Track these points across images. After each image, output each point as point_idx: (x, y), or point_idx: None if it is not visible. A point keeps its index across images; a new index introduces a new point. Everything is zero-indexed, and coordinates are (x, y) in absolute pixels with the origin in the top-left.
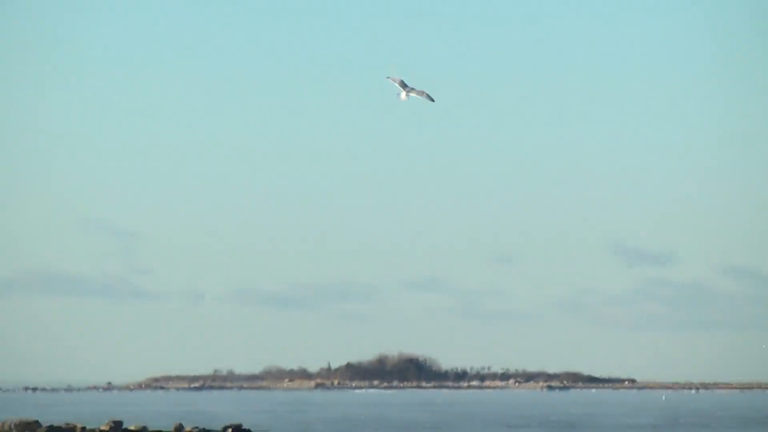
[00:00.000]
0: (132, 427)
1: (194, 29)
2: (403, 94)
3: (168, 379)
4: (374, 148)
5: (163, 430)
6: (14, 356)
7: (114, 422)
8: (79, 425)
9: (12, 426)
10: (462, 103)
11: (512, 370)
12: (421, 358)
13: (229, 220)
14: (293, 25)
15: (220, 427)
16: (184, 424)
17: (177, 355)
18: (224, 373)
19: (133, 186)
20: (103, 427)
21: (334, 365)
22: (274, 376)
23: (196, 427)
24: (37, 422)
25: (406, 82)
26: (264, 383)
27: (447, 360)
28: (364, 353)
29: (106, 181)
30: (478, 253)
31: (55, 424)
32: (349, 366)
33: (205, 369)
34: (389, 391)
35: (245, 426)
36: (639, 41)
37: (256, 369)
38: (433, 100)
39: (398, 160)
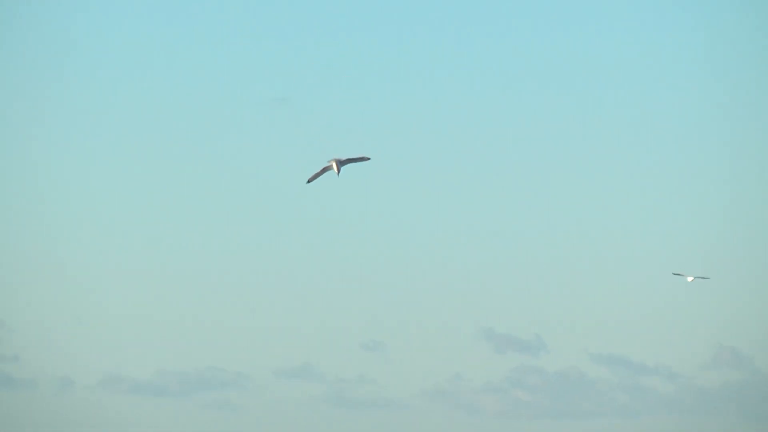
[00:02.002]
0: None
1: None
2: (336, 168)
3: None
4: (242, 230)
5: None
6: None
7: None
8: None
9: None
10: (332, 194)
11: None
12: None
13: (93, 304)
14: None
15: None
16: None
17: None
18: None
19: None
20: None
21: None
22: None
23: None
24: None
25: (339, 157)
26: None
27: None
28: None
29: None
30: (348, 339)
31: None
32: None
33: None
34: None
35: None
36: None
37: None
38: (368, 159)
39: (266, 242)
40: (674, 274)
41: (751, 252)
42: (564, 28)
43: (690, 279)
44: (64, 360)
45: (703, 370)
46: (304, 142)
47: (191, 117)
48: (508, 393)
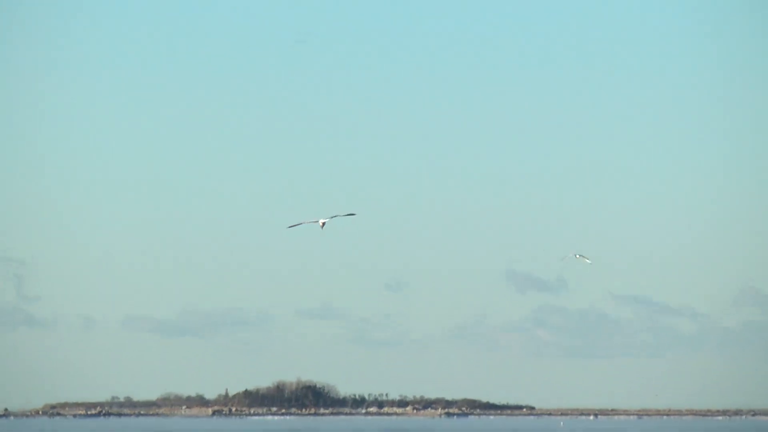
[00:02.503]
0: None
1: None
2: (321, 225)
3: (65, 405)
4: (265, 175)
5: None
6: None
7: None
8: None
9: None
10: (357, 133)
11: (410, 396)
12: (318, 385)
13: (118, 246)
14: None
15: None
16: None
17: (74, 382)
18: (122, 399)
19: (19, 213)
20: None
21: (232, 392)
22: (172, 402)
23: None
24: None
25: (320, 218)
26: (161, 410)
27: (345, 387)
28: (262, 380)
29: None
30: (370, 280)
31: None
32: (246, 393)
33: (102, 396)
34: (289, 418)
35: None
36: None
37: (153, 396)
38: (346, 216)
39: (291, 185)
40: (573, 255)
41: None
42: None
43: (576, 257)
44: (86, 300)
45: (726, 310)
46: (323, 81)
47: (214, 60)
48: (530, 332)
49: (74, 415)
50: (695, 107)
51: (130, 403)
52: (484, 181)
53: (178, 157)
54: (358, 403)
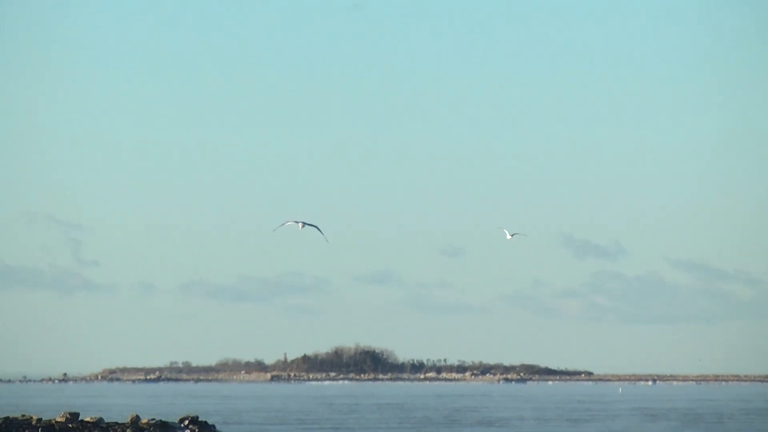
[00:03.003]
0: (88, 419)
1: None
2: (300, 225)
3: (124, 370)
4: (325, 141)
5: (119, 421)
6: None
7: (70, 414)
8: (34, 417)
9: None
10: (414, 99)
11: (468, 362)
12: (377, 350)
13: (176, 212)
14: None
15: (176, 419)
16: (140, 416)
17: (133, 347)
18: (180, 365)
19: (77, 178)
20: (58, 419)
21: (290, 357)
22: (230, 368)
23: (153, 419)
24: None
25: (298, 220)
26: (220, 375)
27: (403, 352)
28: (320, 345)
29: (50, 173)
30: (428, 246)
31: (11, 415)
32: (305, 358)
33: (161, 361)
34: (348, 383)
35: (202, 418)
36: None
37: (212, 361)
38: (322, 234)
39: (350, 153)
40: (500, 228)
41: None
42: None
43: (509, 236)
44: (145, 265)
45: None
46: (375, 45)
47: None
48: (588, 298)
49: (133, 381)
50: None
51: (188, 369)
52: (541, 146)
53: (237, 123)
54: (417, 368)
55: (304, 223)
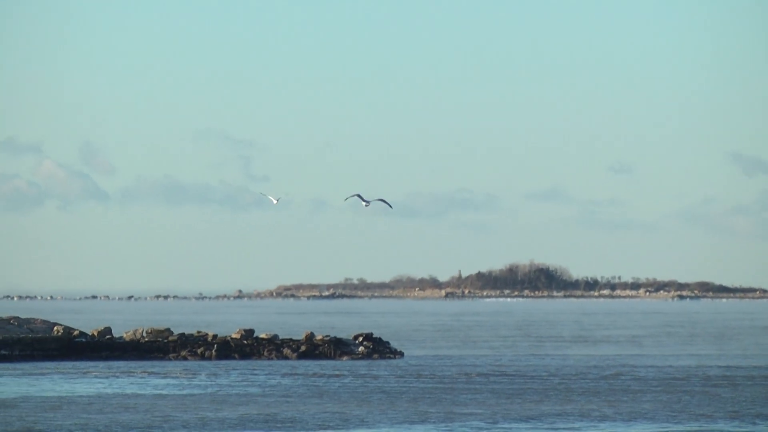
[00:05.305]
0: (263, 336)
1: None
2: (365, 203)
3: (299, 287)
4: (492, 56)
5: (293, 338)
6: (145, 265)
7: (245, 331)
8: (210, 334)
9: (144, 333)
10: (574, 16)
11: (642, 279)
12: (551, 268)
13: (344, 130)
14: None
15: (350, 336)
16: (314, 333)
17: (307, 264)
18: (355, 281)
19: (247, 94)
20: (234, 336)
21: (465, 274)
22: (405, 284)
23: (327, 336)
24: (168, 330)
25: (362, 196)
26: (394, 292)
27: (577, 269)
28: (494, 262)
29: (220, 90)
30: (596, 163)
31: (186, 332)
32: (479, 275)
33: (335, 277)
34: (522, 300)
35: (376, 335)
36: None
37: (387, 277)
38: (391, 207)
39: (518, 70)
40: (261, 194)
41: None
42: None
43: (275, 201)
44: (316, 181)
45: None
46: None
47: None
48: (759, 215)
49: (307, 297)
50: None
51: (363, 285)
52: (711, 62)
53: (410, 42)
54: (591, 285)
55: (368, 202)
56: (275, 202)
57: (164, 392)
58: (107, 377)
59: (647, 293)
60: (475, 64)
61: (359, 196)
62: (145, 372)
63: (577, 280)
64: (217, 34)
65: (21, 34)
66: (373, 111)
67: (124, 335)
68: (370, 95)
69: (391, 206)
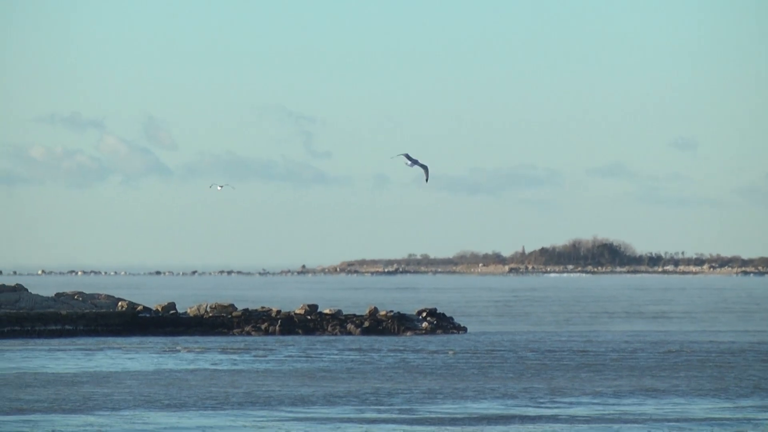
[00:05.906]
0: (326, 311)
1: None
2: (410, 163)
3: (362, 263)
4: (557, 35)
5: (357, 314)
6: (208, 240)
7: (308, 306)
8: (274, 309)
9: (208, 308)
10: None
11: (706, 255)
12: (615, 243)
13: (406, 105)
14: None
15: (414, 311)
16: (378, 308)
17: (370, 240)
18: (419, 257)
19: (308, 70)
20: (297, 311)
21: (528, 250)
22: (468, 260)
23: (391, 311)
24: (232, 305)
25: (410, 155)
26: (458, 268)
27: (640, 245)
28: (558, 238)
29: (281, 66)
30: (658, 138)
31: (250, 307)
32: (542, 251)
33: (399, 253)
34: (585, 276)
35: (440, 310)
36: None
37: (450, 253)
38: (426, 180)
39: (581, 45)
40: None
41: None
42: None
43: (219, 188)
44: (376, 157)
45: None
46: None
47: None
48: None
49: (371, 273)
50: None
51: (427, 261)
52: None
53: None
54: (654, 261)
55: (413, 162)
56: (219, 188)
57: (230, 368)
58: (170, 352)
59: (711, 269)
60: (538, 40)
61: (407, 155)
62: (202, 348)
63: (640, 256)
64: (280, 10)
65: (85, 11)
66: (436, 86)
67: (188, 311)
68: (433, 70)
69: (426, 180)
